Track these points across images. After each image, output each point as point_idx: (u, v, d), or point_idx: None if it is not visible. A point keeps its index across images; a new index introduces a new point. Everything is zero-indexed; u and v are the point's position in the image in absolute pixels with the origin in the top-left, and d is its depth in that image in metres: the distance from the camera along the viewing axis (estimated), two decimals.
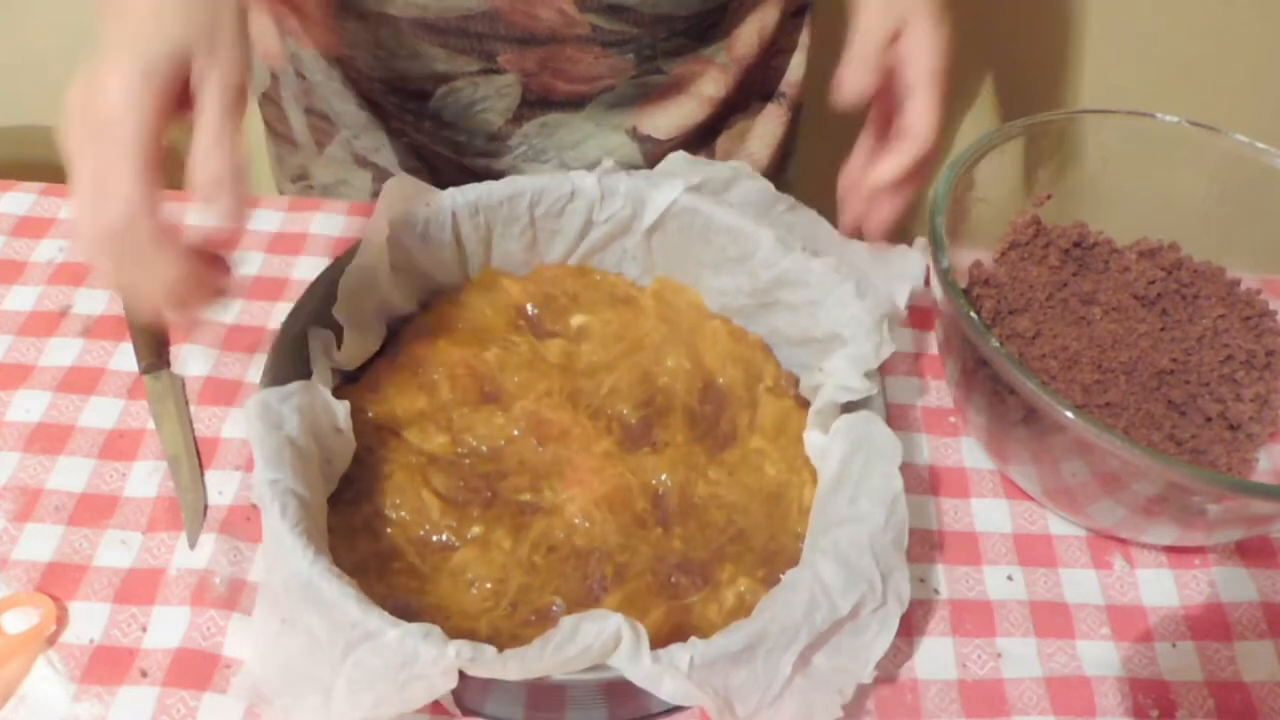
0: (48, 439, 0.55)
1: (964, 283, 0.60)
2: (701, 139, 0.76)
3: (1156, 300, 0.60)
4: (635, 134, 0.72)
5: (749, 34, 0.72)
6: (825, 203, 0.60)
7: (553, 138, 0.72)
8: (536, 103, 0.71)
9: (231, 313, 0.62)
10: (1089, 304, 0.60)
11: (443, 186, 0.56)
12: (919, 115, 0.54)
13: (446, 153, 0.73)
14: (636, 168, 0.69)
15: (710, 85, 0.72)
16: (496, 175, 0.64)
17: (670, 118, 0.72)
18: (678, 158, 0.59)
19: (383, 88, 0.70)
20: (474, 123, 0.71)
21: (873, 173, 0.55)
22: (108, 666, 0.47)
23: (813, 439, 0.51)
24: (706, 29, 0.70)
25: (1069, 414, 0.46)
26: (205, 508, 0.53)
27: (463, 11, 0.64)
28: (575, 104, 0.71)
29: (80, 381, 0.58)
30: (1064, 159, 0.61)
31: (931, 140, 0.54)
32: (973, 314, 0.49)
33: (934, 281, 0.53)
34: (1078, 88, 1.15)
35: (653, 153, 0.73)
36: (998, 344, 0.48)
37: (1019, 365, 0.47)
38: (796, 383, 0.56)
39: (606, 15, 0.65)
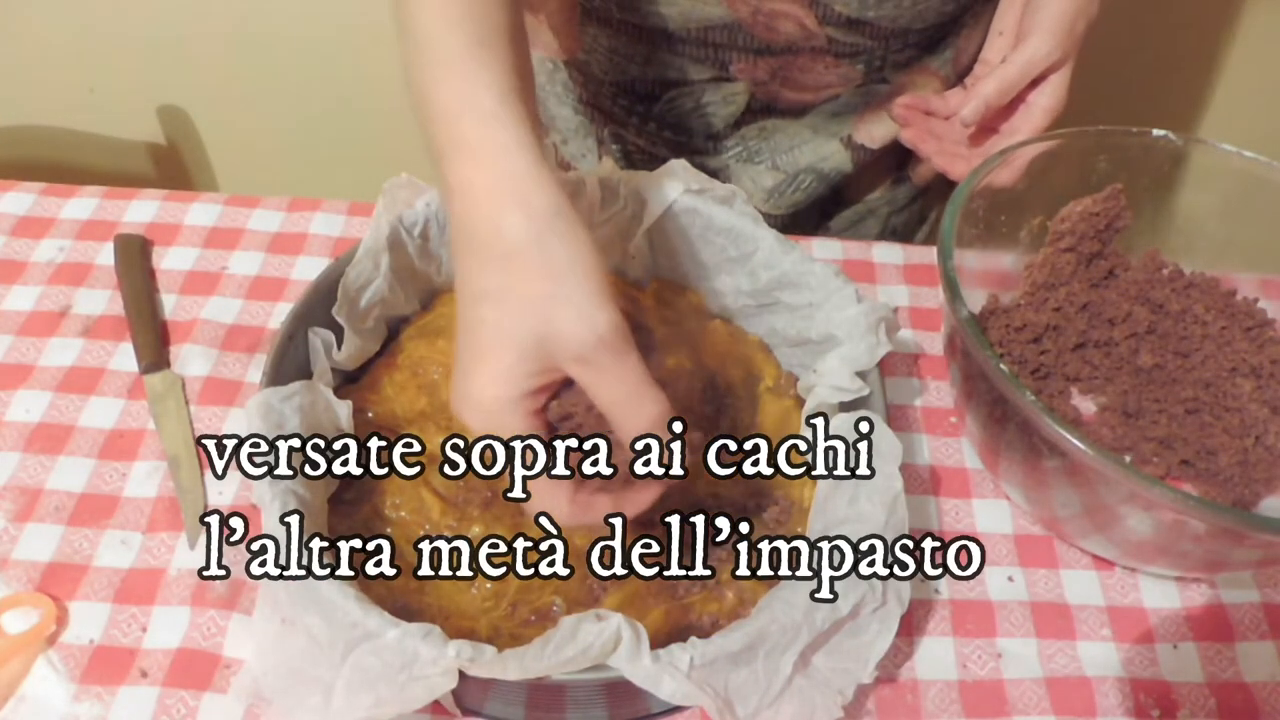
0: (48, 439, 0.55)
1: (976, 306, 0.59)
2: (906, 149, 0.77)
3: (1157, 321, 0.60)
4: (849, 142, 0.74)
5: (973, 42, 0.72)
6: None
7: (769, 141, 0.73)
8: (760, 110, 0.72)
9: (231, 313, 0.62)
10: (1096, 329, 0.60)
11: None
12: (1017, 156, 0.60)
13: (664, 153, 0.74)
14: (845, 173, 0.73)
15: (927, 94, 0.72)
16: (711, 174, 0.66)
17: (884, 127, 0.73)
18: (678, 165, 0.59)
19: (612, 90, 0.71)
20: (696, 125, 0.73)
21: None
22: (108, 666, 0.47)
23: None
24: (937, 40, 0.71)
25: (1118, 469, 0.44)
26: (205, 507, 0.53)
27: (706, 23, 0.66)
28: (798, 111, 0.72)
29: (80, 381, 0.58)
30: (1059, 178, 0.61)
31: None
32: (1003, 367, 0.47)
33: (954, 325, 0.51)
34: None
35: (862, 161, 0.74)
36: (1034, 398, 0.46)
37: (1056, 418, 0.45)
38: (796, 383, 0.56)
39: (845, 28, 0.66)
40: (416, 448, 0.52)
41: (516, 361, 0.38)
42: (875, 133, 0.73)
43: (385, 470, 0.50)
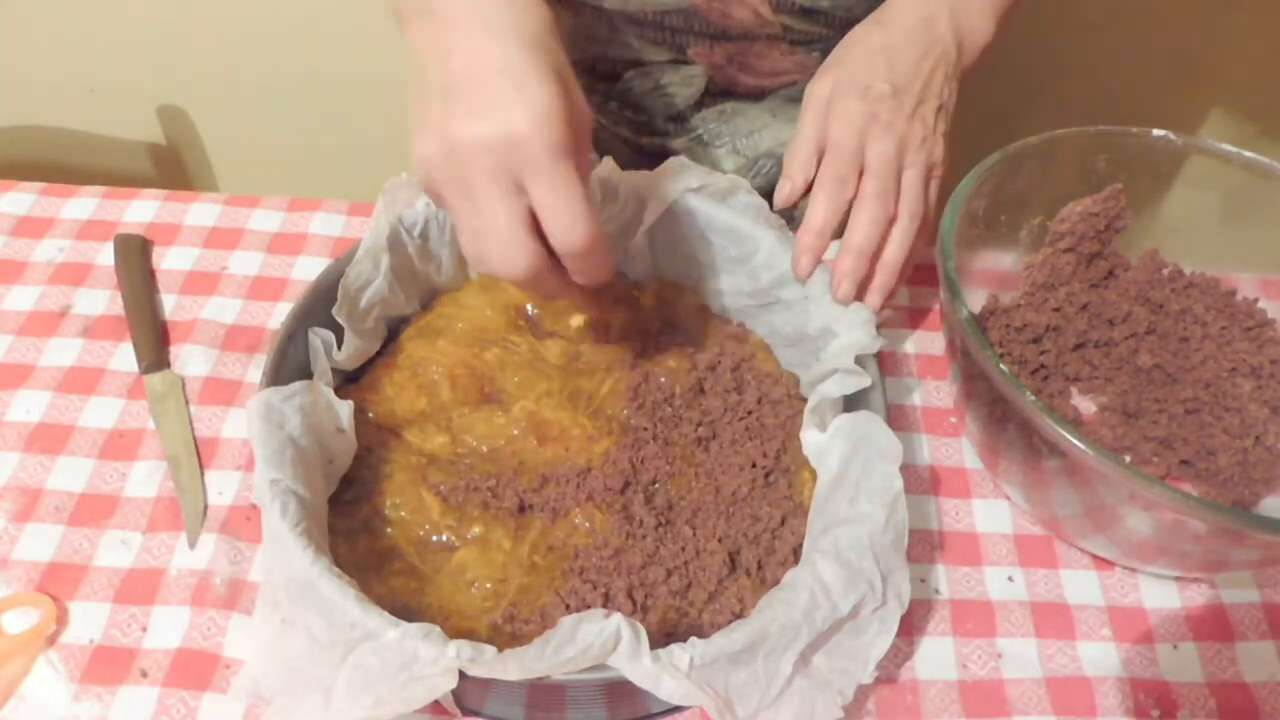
0: (48, 439, 0.55)
1: (976, 306, 0.59)
2: None
3: (1157, 321, 0.60)
4: None
5: None
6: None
7: (730, 124, 0.74)
8: (720, 92, 0.72)
9: (231, 313, 0.62)
10: (1096, 329, 0.60)
11: None
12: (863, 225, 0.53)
13: (626, 133, 0.75)
14: None
15: None
16: (671, 154, 0.66)
17: None
18: (678, 162, 0.59)
19: (575, 68, 0.72)
20: (657, 105, 0.73)
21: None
22: (108, 666, 0.47)
23: (809, 438, 0.51)
24: None
25: (1119, 470, 0.44)
26: (205, 508, 0.53)
27: (662, 7, 0.67)
28: (756, 96, 0.73)
29: (80, 381, 0.58)
30: (1059, 178, 0.61)
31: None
32: (1003, 367, 0.47)
33: (954, 325, 0.51)
34: (1058, 110, 1.15)
35: None
36: (1033, 398, 0.46)
37: (1056, 418, 0.45)
38: (796, 383, 0.56)
39: (799, 16, 0.66)
40: (417, 448, 0.52)
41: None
42: None
43: (385, 470, 0.50)
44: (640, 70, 0.71)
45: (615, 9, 0.68)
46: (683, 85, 0.71)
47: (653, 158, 0.64)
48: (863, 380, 0.50)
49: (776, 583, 0.44)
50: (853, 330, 0.51)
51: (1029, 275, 0.62)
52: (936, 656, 0.50)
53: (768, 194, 0.77)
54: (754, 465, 0.52)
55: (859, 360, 0.51)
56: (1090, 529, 0.51)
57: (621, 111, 0.74)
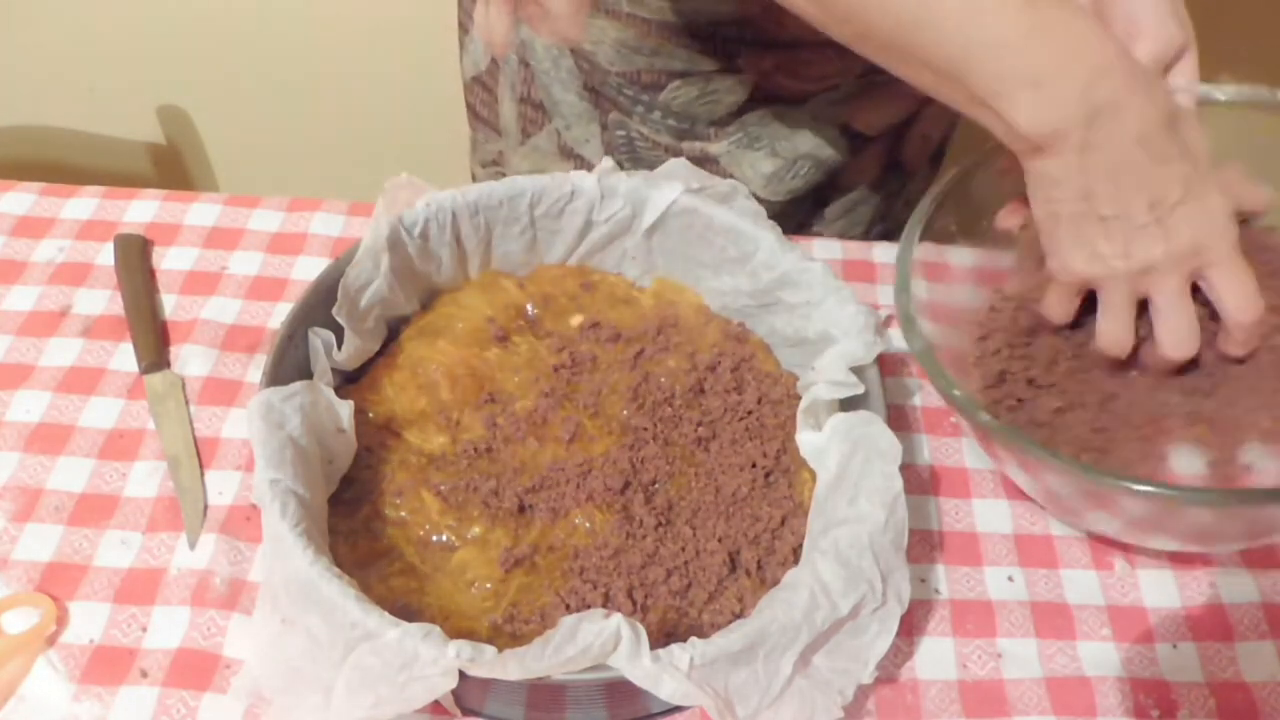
0: (48, 439, 0.55)
1: (975, 305, 0.59)
2: (899, 132, 0.76)
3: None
4: (846, 130, 0.74)
5: None
6: None
7: (769, 127, 0.74)
8: (763, 98, 0.72)
9: (231, 313, 0.62)
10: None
11: None
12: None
13: (666, 140, 0.75)
14: (841, 161, 0.73)
15: None
16: (712, 160, 0.65)
17: (881, 115, 0.73)
18: (678, 164, 0.59)
19: (618, 80, 0.72)
20: (700, 112, 0.73)
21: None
22: (108, 666, 0.47)
23: (804, 438, 0.51)
24: None
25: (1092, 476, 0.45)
26: (205, 508, 0.53)
27: (715, 18, 0.66)
28: (799, 100, 0.72)
29: (80, 381, 0.58)
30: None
31: None
32: (956, 392, 0.48)
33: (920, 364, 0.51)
34: None
35: (859, 148, 0.75)
36: (987, 417, 0.47)
37: (1026, 440, 0.46)
38: (796, 383, 0.56)
39: None
40: (416, 448, 0.52)
41: None
42: (872, 120, 0.74)
43: (385, 470, 0.50)
44: (685, 80, 0.71)
45: (666, 21, 0.67)
46: (728, 93, 0.71)
47: (695, 162, 0.64)
48: (853, 389, 0.50)
49: (776, 583, 0.44)
50: (849, 339, 0.52)
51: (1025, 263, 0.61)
52: (936, 656, 0.50)
53: (805, 195, 0.77)
54: (754, 465, 0.52)
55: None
56: (1086, 508, 0.51)
57: (664, 120, 0.74)
